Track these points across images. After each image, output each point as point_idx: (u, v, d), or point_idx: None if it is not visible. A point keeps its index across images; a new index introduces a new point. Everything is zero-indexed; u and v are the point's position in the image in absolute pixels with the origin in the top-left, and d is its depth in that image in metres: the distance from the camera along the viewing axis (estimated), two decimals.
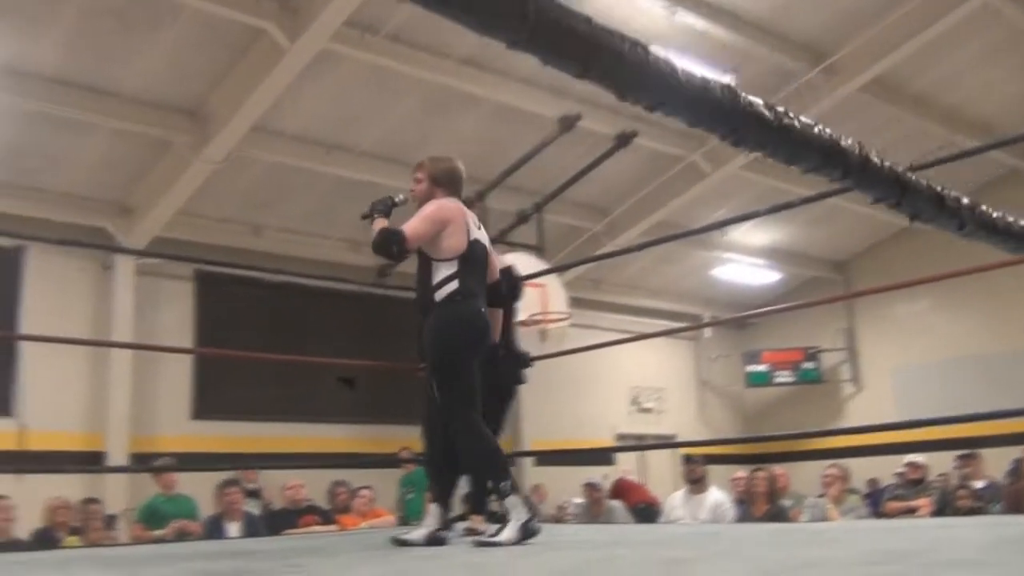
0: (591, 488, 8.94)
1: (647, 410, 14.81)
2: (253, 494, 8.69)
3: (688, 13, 8.94)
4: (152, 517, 7.31)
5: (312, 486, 8.18)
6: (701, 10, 9.04)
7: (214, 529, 7.11)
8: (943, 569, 2.13)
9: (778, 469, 8.17)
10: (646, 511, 9.12)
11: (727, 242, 13.74)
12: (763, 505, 7.09)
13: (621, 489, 10.16)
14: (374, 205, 3.96)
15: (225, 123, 8.68)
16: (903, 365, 14.27)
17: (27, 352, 9.09)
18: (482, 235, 4.09)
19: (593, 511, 8.85)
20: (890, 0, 9.42)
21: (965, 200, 1.60)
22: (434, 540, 3.79)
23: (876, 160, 1.09)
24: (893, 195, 1.26)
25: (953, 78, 11.02)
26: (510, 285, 4.67)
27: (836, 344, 15.17)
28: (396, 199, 4.08)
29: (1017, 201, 5.23)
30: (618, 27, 0.92)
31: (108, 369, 9.61)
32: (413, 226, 3.81)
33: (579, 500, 9.95)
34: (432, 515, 3.92)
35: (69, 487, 8.07)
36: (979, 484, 7.57)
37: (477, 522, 4.50)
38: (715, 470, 7.75)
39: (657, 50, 0.85)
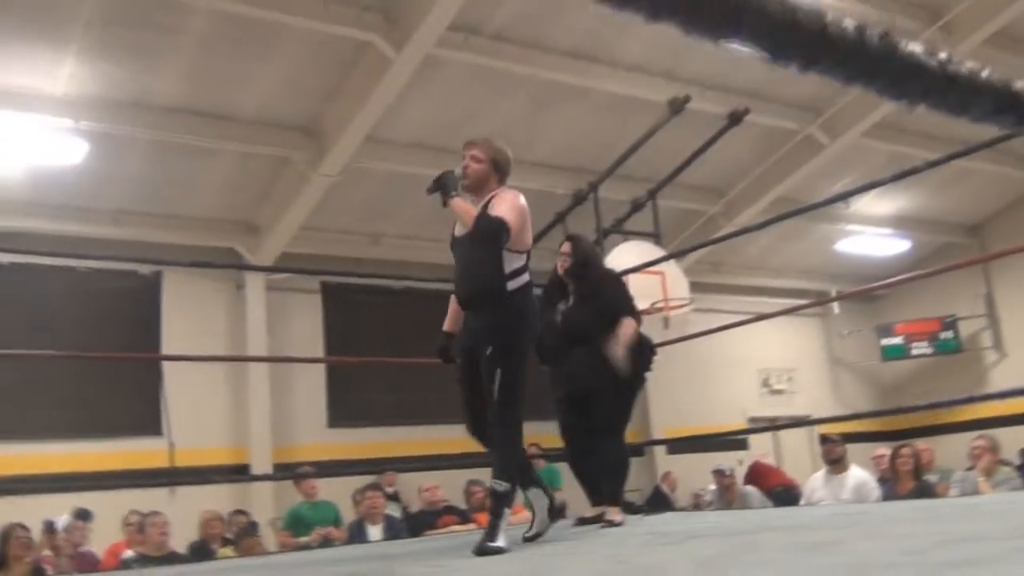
0: (719, 475, 8.81)
1: (778, 391, 14.49)
2: (393, 498, 8.88)
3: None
4: (297, 524, 7.55)
5: (448, 486, 8.31)
6: None
7: (357, 533, 7.29)
8: None
9: (921, 444, 7.86)
10: (784, 494, 8.92)
11: (851, 214, 13.30)
12: (908, 482, 6.82)
13: (756, 473, 9.97)
14: (446, 182, 3.79)
15: (339, 137, 8.89)
16: None
17: (170, 373, 9.50)
18: None
19: (726, 498, 8.71)
20: None
21: None
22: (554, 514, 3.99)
23: None
24: None
25: None
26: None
27: (975, 311, 14.51)
28: (457, 173, 3.90)
29: None
30: None
31: (247, 384, 9.98)
32: (510, 218, 3.70)
33: (712, 487, 9.82)
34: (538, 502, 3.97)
35: (218, 500, 8.41)
36: None
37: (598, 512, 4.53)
38: (854, 449, 7.50)
39: (805, 5, 0.80)
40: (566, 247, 4.77)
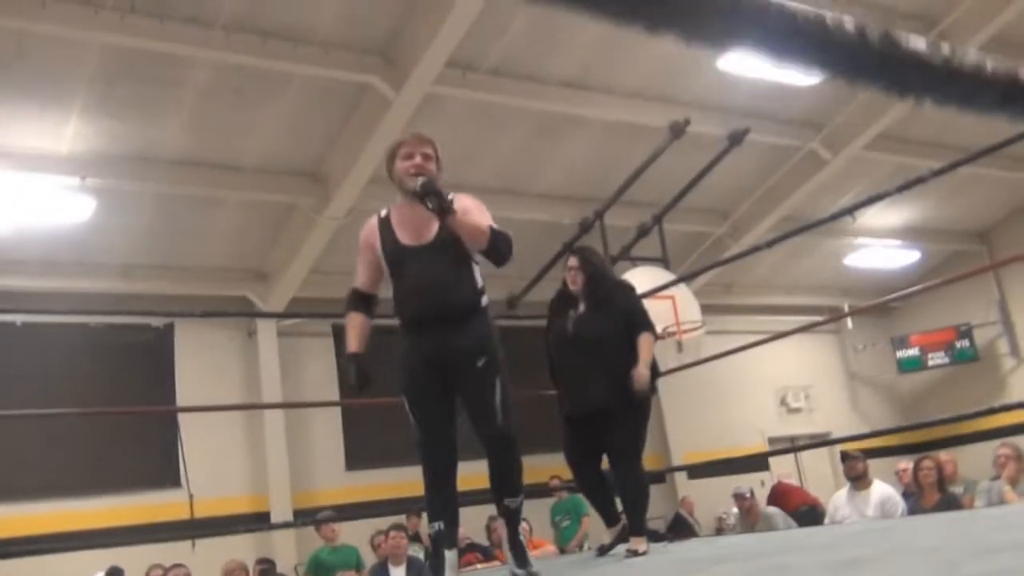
0: (740, 498, 8.75)
1: (796, 410, 14.40)
2: (414, 538, 8.81)
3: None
4: (319, 569, 7.51)
5: (469, 524, 8.25)
6: None
7: (381, 575, 7.24)
8: None
9: (943, 455, 7.78)
10: (808, 514, 8.84)
11: (858, 227, 13.27)
12: (933, 495, 6.74)
13: (778, 494, 9.89)
14: (440, 193, 3.36)
15: (343, 179, 8.94)
16: None
17: (186, 424, 9.49)
18: None
19: (749, 520, 8.64)
20: None
21: None
22: None
23: None
24: None
25: None
26: None
27: (989, 318, 14.43)
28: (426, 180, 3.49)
29: None
30: None
31: (263, 431, 9.96)
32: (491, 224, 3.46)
33: (735, 510, 9.74)
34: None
35: (241, 549, 8.37)
36: None
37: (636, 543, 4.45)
38: (876, 464, 7.44)
39: (805, 7, 0.80)
40: (573, 261, 4.60)
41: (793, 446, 13.38)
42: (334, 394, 10.65)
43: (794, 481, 12.46)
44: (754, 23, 0.75)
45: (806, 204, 11.73)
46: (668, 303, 8.91)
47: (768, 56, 0.79)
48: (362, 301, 3.72)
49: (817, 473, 13.25)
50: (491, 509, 8.91)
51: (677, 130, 9.03)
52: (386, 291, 3.66)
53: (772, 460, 12.87)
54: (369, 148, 8.56)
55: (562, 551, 8.58)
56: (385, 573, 7.23)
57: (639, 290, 7.12)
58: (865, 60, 0.82)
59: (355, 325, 3.70)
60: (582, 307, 4.51)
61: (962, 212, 13.91)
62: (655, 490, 11.33)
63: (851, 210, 7.21)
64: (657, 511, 10.39)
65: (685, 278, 8.82)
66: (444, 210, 3.33)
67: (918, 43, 0.85)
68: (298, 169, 9.27)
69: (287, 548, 9.33)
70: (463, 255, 3.47)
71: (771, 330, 8.56)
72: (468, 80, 8.57)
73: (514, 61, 8.67)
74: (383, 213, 3.65)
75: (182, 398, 9.65)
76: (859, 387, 15.27)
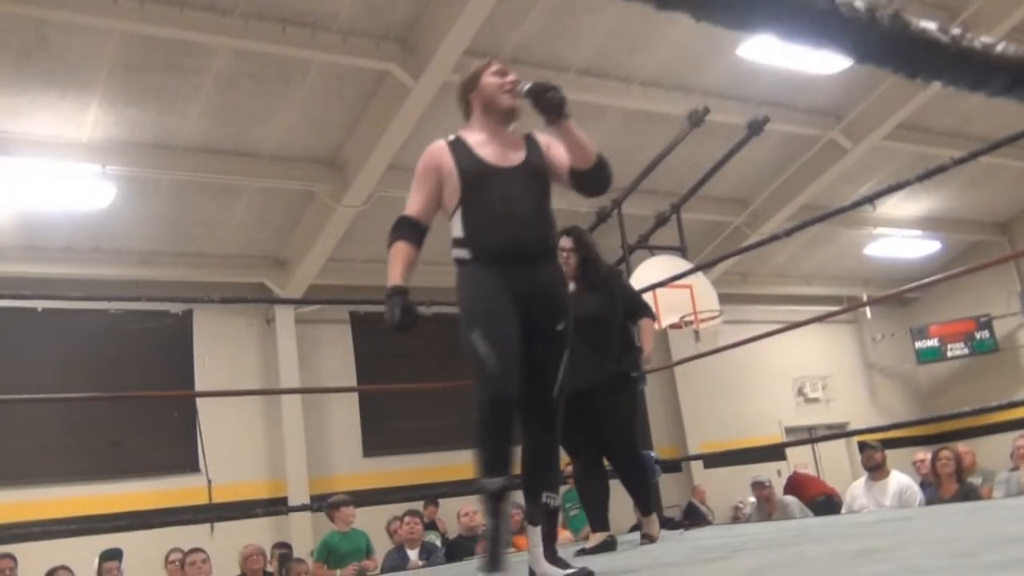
0: (759, 486, 8.75)
1: (814, 400, 14.35)
2: (431, 526, 8.85)
3: None
4: (329, 555, 7.55)
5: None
6: None
7: (397, 559, 7.29)
8: None
9: (962, 446, 7.75)
10: (825, 503, 8.83)
11: (878, 217, 13.19)
12: (951, 485, 6.73)
13: (795, 484, 9.88)
14: (559, 88, 2.96)
15: (362, 167, 8.95)
16: None
17: (205, 410, 9.56)
18: None
19: (766, 509, 8.65)
20: None
21: None
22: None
23: None
24: None
25: None
26: None
27: (1009, 309, 14.31)
28: None
29: None
30: None
31: (280, 417, 10.02)
32: None
33: (752, 499, 9.74)
34: None
35: (258, 535, 8.44)
36: None
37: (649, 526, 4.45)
38: (894, 454, 7.42)
39: None
40: (566, 242, 4.42)
41: (810, 436, 13.36)
42: (351, 380, 10.70)
43: (811, 471, 12.44)
44: (767, 4, 0.76)
45: (825, 193, 11.66)
46: (686, 292, 8.90)
47: (778, 34, 0.79)
48: (412, 230, 3.20)
49: (834, 463, 13.20)
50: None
51: (696, 119, 8.99)
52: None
53: (789, 450, 12.84)
54: (387, 136, 8.57)
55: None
56: (402, 557, 7.29)
57: (657, 279, 7.14)
58: (875, 41, 0.83)
59: (402, 255, 3.18)
60: (572, 288, 4.30)
61: (983, 202, 13.80)
62: (671, 479, 11.37)
63: (871, 199, 7.16)
64: (672, 500, 10.39)
65: (703, 267, 8.78)
66: (563, 107, 2.92)
67: (928, 24, 0.86)
68: (316, 157, 9.29)
69: (304, 533, 9.39)
70: (548, 187, 3.11)
71: (789, 320, 8.53)
72: None
73: (532, 49, 8.64)
74: (451, 137, 3.21)
75: (201, 384, 9.71)
76: (877, 377, 15.20)
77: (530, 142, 3.15)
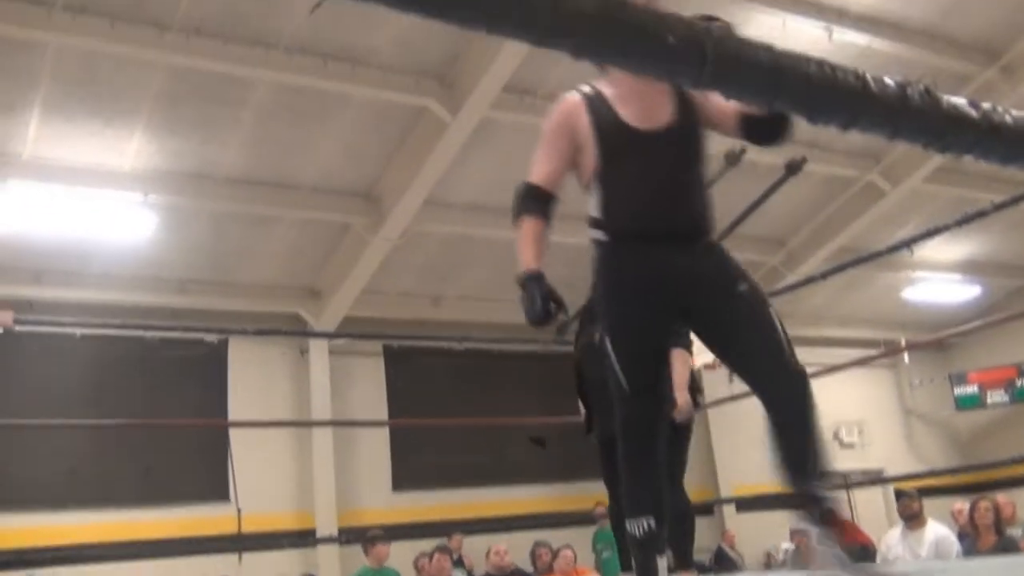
0: (799, 534, 8.58)
1: (849, 445, 14.10)
2: (457, 563, 8.79)
3: (846, 30, 8.65)
4: None
5: (512, 549, 8.21)
6: (861, 25, 8.74)
7: None
8: None
9: (1001, 497, 7.58)
10: (860, 553, 8.66)
11: (916, 260, 12.99)
12: (990, 537, 6.56)
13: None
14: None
15: (398, 201, 9.00)
16: None
17: (237, 439, 9.58)
18: None
19: (805, 558, 8.48)
20: None
21: None
22: None
23: None
24: None
25: None
26: None
27: None
28: None
29: None
30: None
31: (311, 448, 10.03)
32: None
33: (786, 545, 9.56)
34: None
35: (286, 566, 8.42)
36: None
37: None
38: (931, 503, 7.26)
39: (845, 67, 0.80)
40: None
41: (845, 482, 13.14)
42: (383, 414, 10.70)
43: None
44: (793, 80, 0.75)
45: (863, 235, 11.55)
46: None
47: (805, 115, 0.79)
48: (538, 202, 2.74)
49: (869, 510, 12.95)
50: (537, 534, 8.88)
51: (732, 158, 8.94)
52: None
53: None
54: (424, 170, 8.62)
55: None
56: None
57: None
58: (905, 119, 0.81)
59: (530, 235, 2.71)
60: None
61: None
62: (702, 523, 11.18)
63: (909, 243, 7.10)
64: (704, 543, 10.24)
65: None
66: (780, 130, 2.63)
67: (958, 100, 0.85)
68: (353, 189, 9.37)
69: (331, 566, 9.36)
70: (702, 151, 2.66)
71: (825, 362, 8.43)
72: (525, 104, 8.59)
73: (571, 86, 8.65)
74: (586, 89, 2.79)
75: (234, 413, 9.76)
76: (915, 423, 14.93)
77: (680, 91, 2.64)
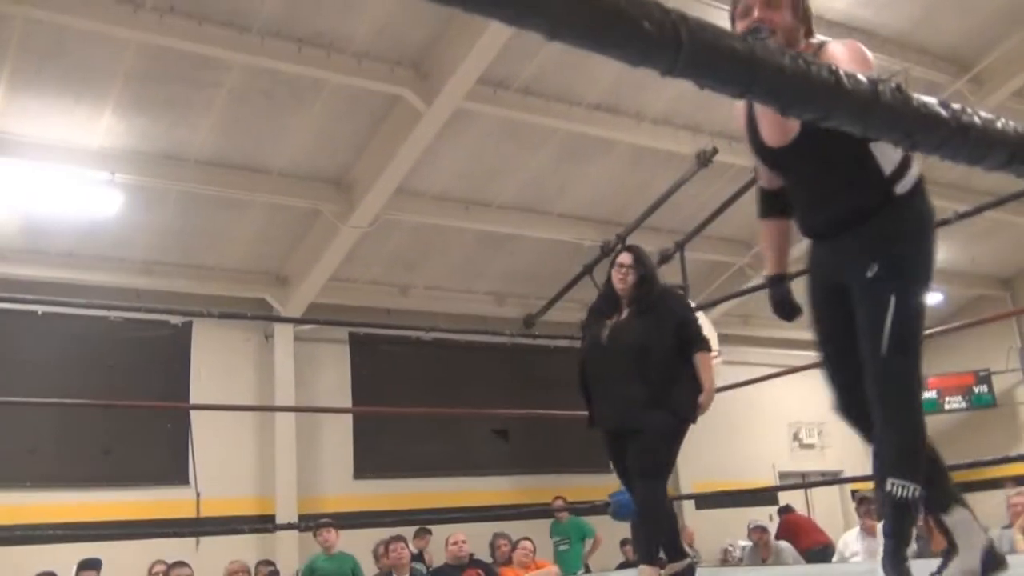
0: (759, 531, 8.68)
1: (809, 446, 14.28)
2: (416, 558, 8.79)
3: (820, 37, 8.70)
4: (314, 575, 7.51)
5: (473, 538, 8.23)
6: (834, 32, 8.81)
7: None
8: None
9: None
10: (819, 553, 8.77)
11: None
12: (943, 539, 6.68)
13: (792, 530, 9.81)
14: (763, 30, 2.47)
15: (369, 189, 8.98)
16: None
17: (198, 423, 9.53)
18: None
19: (761, 554, 8.58)
20: None
21: None
22: None
23: None
24: None
25: None
26: None
27: (1009, 364, 14.28)
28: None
29: None
30: None
31: (273, 434, 9.98)
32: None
33: (743, 543, 9.66)
34: None
35: (244, 551, 8.39)
36: None
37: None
38: None
39: (818, 61, 0.83)
40: (626, 258, 4.05)
41: (804, 482, 13.30)
42: (347, 401, 10.68)
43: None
44: (767, 73, 0.77)
45: None
46: None
47: (778, 107, 0.81)
48: (766, 203, 2.77)
49: (825, 509, 13.12)
50: (497, 526, 8.89)
51: (704, 159, 9.03)
52: None
53: (781, 495, 12.76)
54: (396, 159, 8.61)
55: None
56: None
57: None
58: (876, 114, 0.84)
59: (767, 239, 2.83)
60: (625, 313, 4.02)
61: (986, 257, 13.81)
62: None
63: None
64: None
65: (704, 306, 8.78)
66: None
67: (929, 99, 0.88)
68: (324, 176, 9.33)
69: (290, 552, 9.34)
70: (846, 140, 2.62)
71: (787, 363, 8.53)
72: (499, 97, 8.61)
73: (545, 81, 8.70)
74: None
75: (196, 396, 9.69)
76: None
77: None
